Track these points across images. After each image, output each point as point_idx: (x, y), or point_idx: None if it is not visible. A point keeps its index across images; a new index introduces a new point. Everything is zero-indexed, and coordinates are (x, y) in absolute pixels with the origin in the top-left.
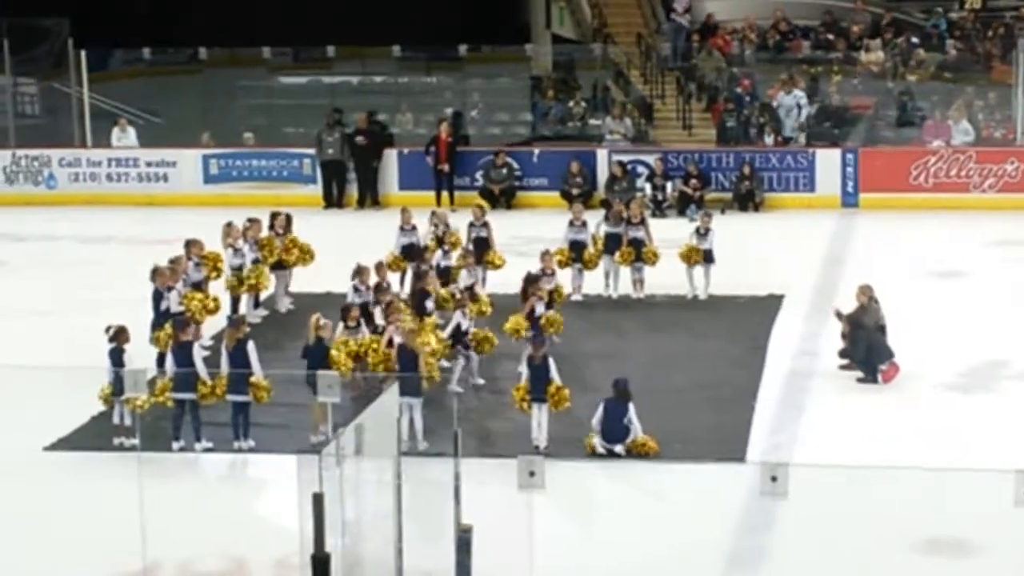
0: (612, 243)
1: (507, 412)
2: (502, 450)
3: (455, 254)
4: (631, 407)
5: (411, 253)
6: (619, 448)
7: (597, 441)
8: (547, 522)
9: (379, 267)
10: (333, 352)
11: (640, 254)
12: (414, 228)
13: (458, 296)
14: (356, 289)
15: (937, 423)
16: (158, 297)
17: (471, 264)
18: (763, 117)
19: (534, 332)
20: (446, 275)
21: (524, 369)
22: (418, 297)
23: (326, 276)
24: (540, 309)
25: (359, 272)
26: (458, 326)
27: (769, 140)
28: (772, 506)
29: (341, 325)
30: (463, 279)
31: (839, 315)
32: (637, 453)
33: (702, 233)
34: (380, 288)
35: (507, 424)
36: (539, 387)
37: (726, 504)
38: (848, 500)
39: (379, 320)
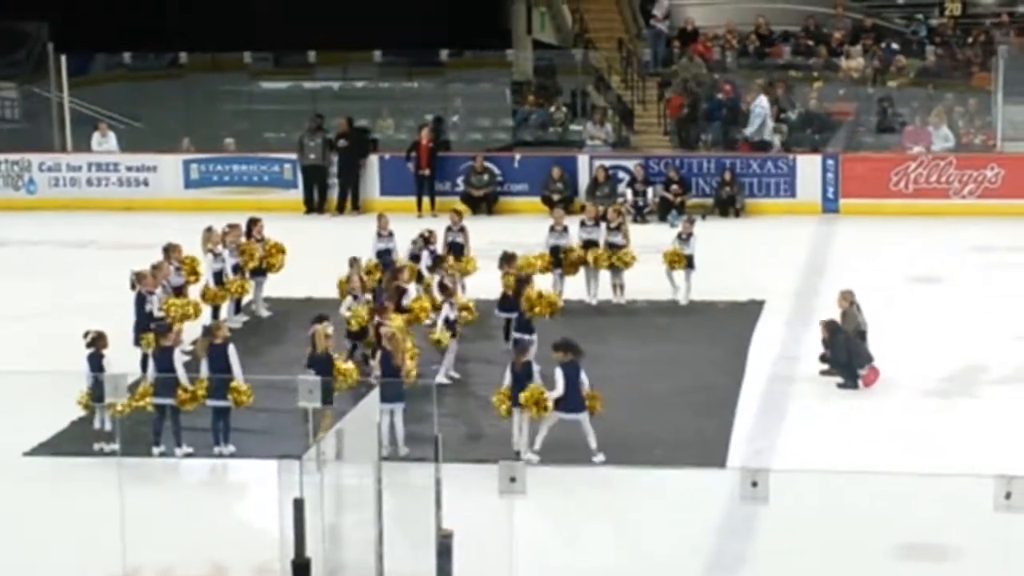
0: (589, 247)
1: (490, 417)
2: (484, 455)
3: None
4: (582, 366)
5: (386, 259)
6: (583, 416)
7: (556, 414)
8: (528, 527)
9: (353, 262)
10: (338, 363)
11: (618, 257)
12: (391, 234)
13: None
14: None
15: (917, 428)
16: (141, 301)
17: (448, 269)
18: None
19: (516, 338)
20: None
21: (507, 376)
22: (394, 294)
23: (307, 281)
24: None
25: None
26: (446, 317)
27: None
28: (753, 511)
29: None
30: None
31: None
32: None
33: (684, 238)
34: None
35: (490, 429)
36: (520, 393)
37: (707, 509)
38: (828, 505)
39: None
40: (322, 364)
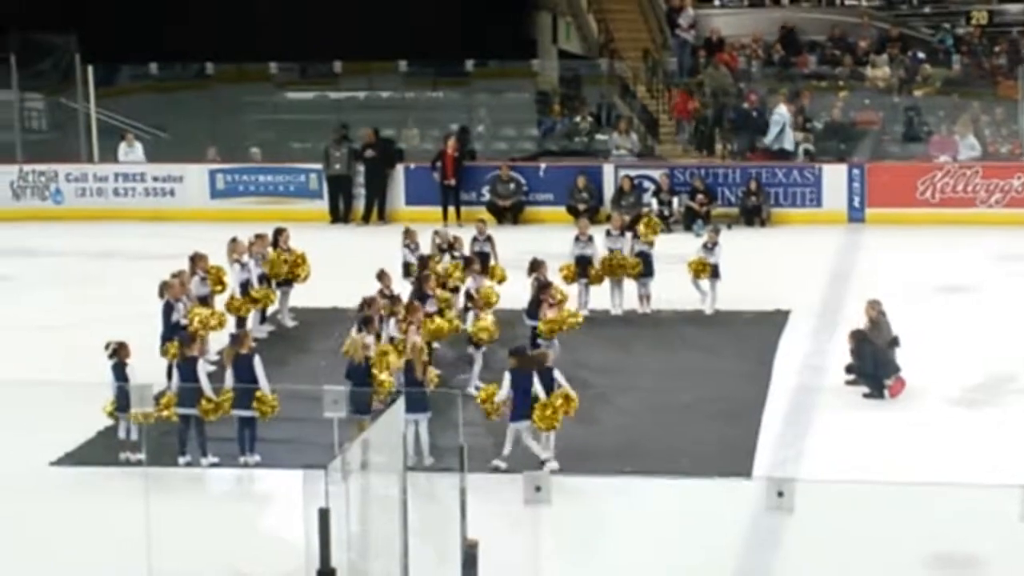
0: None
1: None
2: (509, 465)
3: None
4: (535, 378)
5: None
6: (523, 425)
7: (512, 426)
8: (553, 537)
9: (382, 275)
10: (375, 373)
11: (648, 268)
12: (418, 247)
13: (462, 299)
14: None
15: (943, 438)
16: (169, 310)
17: (476, 272)
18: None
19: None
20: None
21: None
22: (418, 299)
23: (332, 291)
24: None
25: (407, 234)
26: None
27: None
28: (778, 522)
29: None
30: (468, 285)
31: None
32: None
33: (709, 248)
34: (394, 298)
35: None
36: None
37: (732, 520)
38: (854, 515)
39: (392, 332)
40: (360, 374)
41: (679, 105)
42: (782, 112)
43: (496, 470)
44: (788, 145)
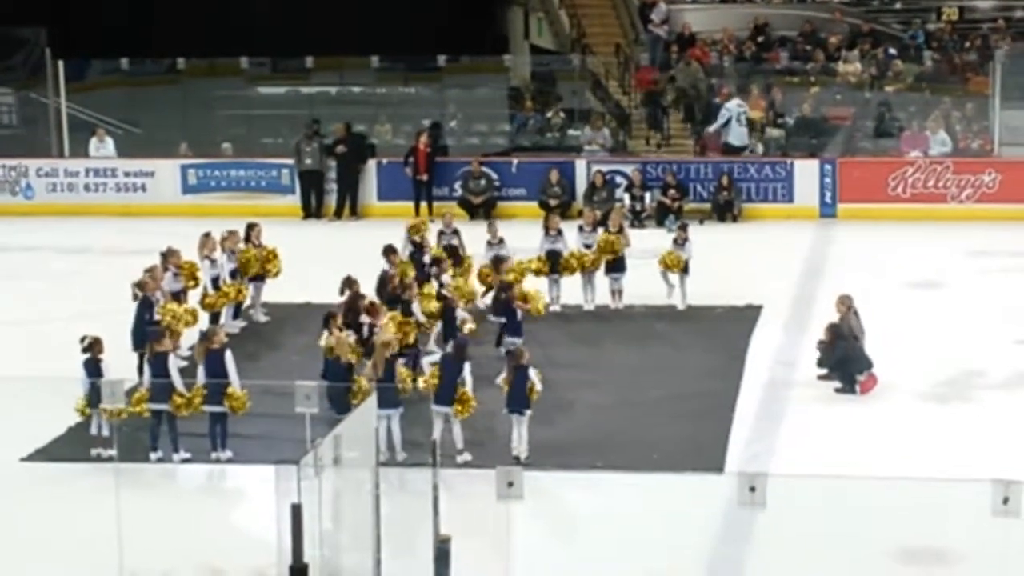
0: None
1: (487, 422)
2: (481, 460)
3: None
4: (467, 367)
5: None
6: (448, 410)
7: (434, 408)
8: (526, 532)
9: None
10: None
11: (620, 264)
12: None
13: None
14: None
15: (914, 433)
16: (148, 305)
17: (445, 270)
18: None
19: (509, 347)
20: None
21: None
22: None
23: (305, 286)
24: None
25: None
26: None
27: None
28: (750, 516)
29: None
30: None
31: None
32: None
33: (680, 243)
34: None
35: (487, 434)
36: (519, 398)
37: (704, 515)
38: (826, 510)
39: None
40: (342, 372)
41: (641, 76)
42: (729, 107)
43: (465, 465)
44: (734, 140)
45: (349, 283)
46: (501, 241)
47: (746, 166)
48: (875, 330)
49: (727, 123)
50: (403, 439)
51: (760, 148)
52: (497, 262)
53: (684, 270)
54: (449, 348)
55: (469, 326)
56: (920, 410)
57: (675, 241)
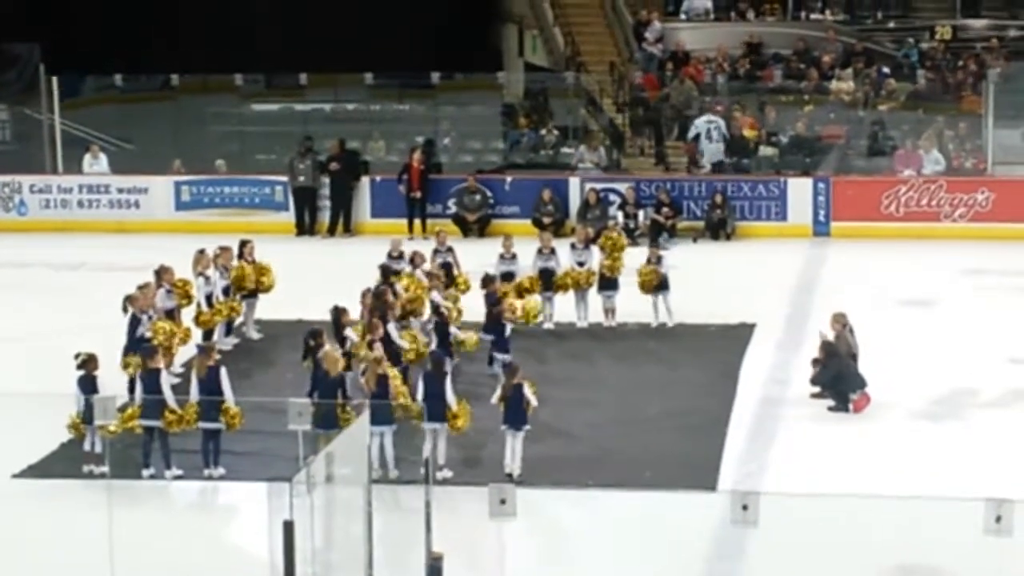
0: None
1: (479, 439)
2: (474, 478)
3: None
4: (448, 382)
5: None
6: (439, 426)
7: (426, 426)
8: (518, 550)
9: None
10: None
11: (613, 281)
12: (401, 255)
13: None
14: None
15: (907, 451)
16: (135, 323)
17: (439, 286)
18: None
19: (505, 362)
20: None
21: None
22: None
23: (298, 303)
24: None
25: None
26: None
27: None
28: (743, 535)
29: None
30: (434, 297)
31: (825, 339)
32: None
33: (654, 262)
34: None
35: (480, 452)
36: (515, 415)
37: (697, 532)
38: (819, 529)
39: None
40: (333, 388)
41: (648, 80)
42: (698, 123)
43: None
44: (706, 157)
45: (338, 312)
46: (514, 257)
47: (740, 184)
48: (868, 348)
49: (696, 139)
50: (396, 456)
51: (725, 161)
52: (488, 281)
53: (664, 287)
54: (427, 365)
55: (465, 337)
56: (913, 429)
57: (648, 260)
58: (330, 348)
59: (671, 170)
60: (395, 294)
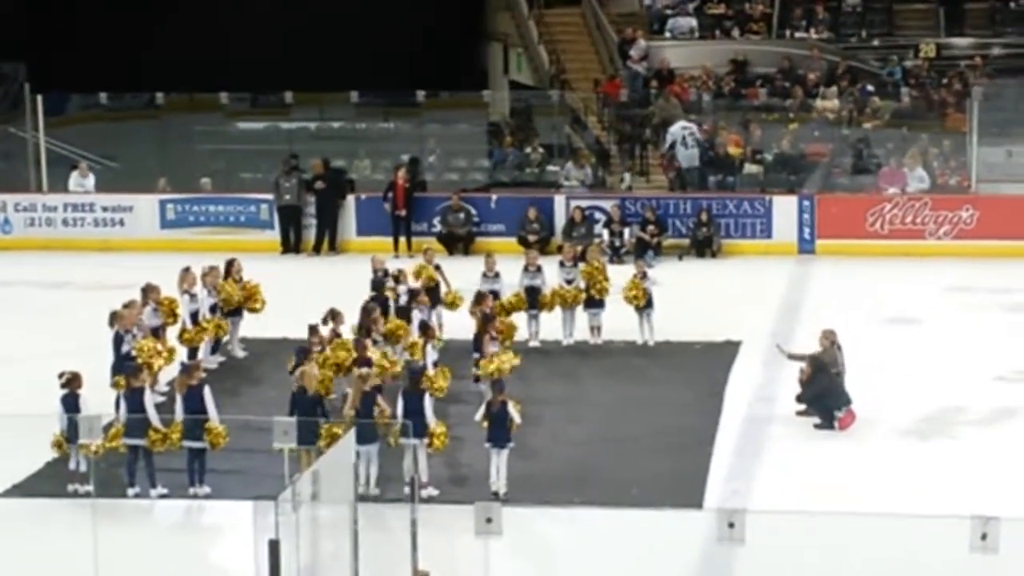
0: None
1: (466, 457)
2: (460, 496)
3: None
4: (427, 397)
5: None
6: (416, 443)
7: (404, 441)
8: (504, 568)
9: (335, 315)
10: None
11: (599, 300)
12: (386, 273)
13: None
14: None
15: (894, 469)
16: (119, 341)
17: (425, 304)
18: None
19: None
20: (407, 313)
21: (480, 413)
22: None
23: (283, 321)
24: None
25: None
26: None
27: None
28: (729, 552)
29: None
30: (416, 317)
31: (786, 353)
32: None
33: (639, 278)
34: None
35: (465, 470)
36: (498, 432)
37: (683, 551)
38: (805, 546)
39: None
40: (311, 405)
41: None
42: (673, 130)
43: (428, 499)
44: (683, 162)
45: (333, 315)
46: (497, 275)
47: (725, 202)
48: (854, 366)
49: (673, 146)
50: (380, 475)
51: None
52: (480, 297)
53: (649, 304)
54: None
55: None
56: (899, 446)
57: (635, 277)
58: (308, 366)
59: (651, 182)
60: (385, 311)
